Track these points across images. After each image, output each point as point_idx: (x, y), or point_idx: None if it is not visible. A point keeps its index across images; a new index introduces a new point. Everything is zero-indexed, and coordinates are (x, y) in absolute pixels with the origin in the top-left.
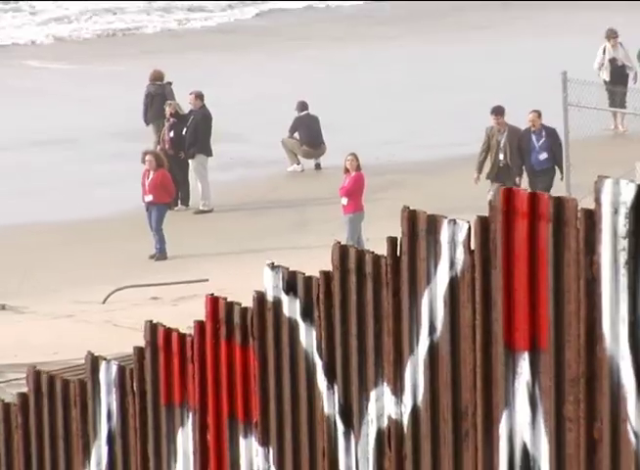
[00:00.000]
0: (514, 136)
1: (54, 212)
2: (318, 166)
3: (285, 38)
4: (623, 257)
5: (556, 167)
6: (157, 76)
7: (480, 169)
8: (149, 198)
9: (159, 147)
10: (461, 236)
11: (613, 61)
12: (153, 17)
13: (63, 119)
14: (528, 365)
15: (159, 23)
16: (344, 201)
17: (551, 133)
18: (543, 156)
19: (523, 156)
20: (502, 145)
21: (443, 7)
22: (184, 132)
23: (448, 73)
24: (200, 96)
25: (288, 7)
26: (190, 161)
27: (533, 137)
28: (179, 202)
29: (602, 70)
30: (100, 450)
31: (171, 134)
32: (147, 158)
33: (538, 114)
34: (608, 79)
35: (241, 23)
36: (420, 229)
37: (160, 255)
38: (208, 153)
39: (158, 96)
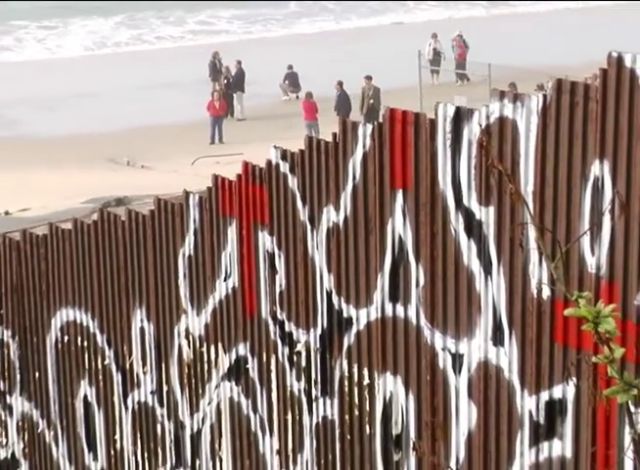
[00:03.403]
0: (377, 92)
1: (172, 118)
2: (297, 98)
3: None
4: (448, 143)
5: None
6: (214, 55)
7: (361, 110)
8: (217, 113)
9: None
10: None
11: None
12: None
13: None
14: None
15: None
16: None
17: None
18: None
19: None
20: (371, 95)
21: None
22: (231, 80)
23: None
24: (239, 62)
25: None
26: (234, 95)
27: None
28: (229, 115)
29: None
30: None
31: (225, 82)
32: (215, 94)
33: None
34: None
35: None
36: None
37: (219, 141)
38: (243, 90)
39: (215, 65)
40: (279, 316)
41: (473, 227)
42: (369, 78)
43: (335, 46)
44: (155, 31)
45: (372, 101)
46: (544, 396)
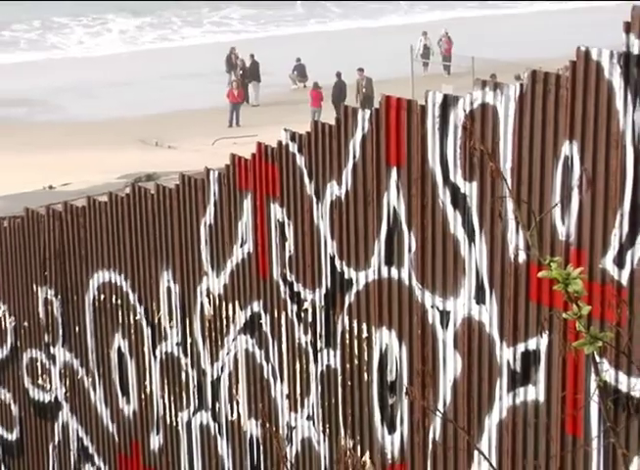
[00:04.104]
0: (369, 82)
1: (195, 105)
2: (305, 85)
3: None
4: (437, 126)
5: None
6: (231, 50)
7: (356, 99)
8: (235, 100)
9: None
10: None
11: None
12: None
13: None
14: None
15: None
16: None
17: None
18: None
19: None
20: (364, 86)
21: None
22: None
23: None
24: (252, 55)
25: None
26: (249, 84)
27: None
28: (245, 102)
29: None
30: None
31: (240, 73)
32: (234, 84)
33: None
34: None
35: None
36: None
37: (237, 124)
38: (259, 80)
39: (231, 58)
40: (288, 278)
41: (458, 200)
42: (361, 70)
43: (338, 42)
44: (177, 32)
45: (364, 90)
46: (520, 347)
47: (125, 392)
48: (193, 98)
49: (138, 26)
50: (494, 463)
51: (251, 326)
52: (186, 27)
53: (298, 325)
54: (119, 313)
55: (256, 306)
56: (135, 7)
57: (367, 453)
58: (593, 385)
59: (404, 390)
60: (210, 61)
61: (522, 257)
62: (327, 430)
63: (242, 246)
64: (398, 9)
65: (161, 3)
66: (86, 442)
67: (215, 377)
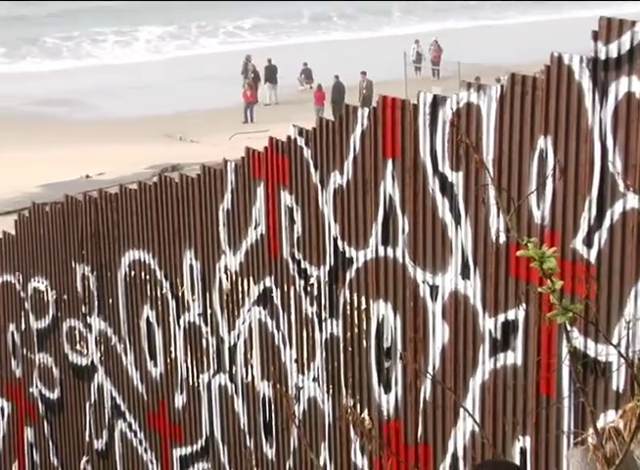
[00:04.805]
0: (370, 84)
1: (214, 104)
2: (311, 87)
3: None
4: (427, 122)
5: None
6: (247, 57)
7: (358, 99)
8: (249, 100)
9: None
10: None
11: None
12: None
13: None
14: None
15: None
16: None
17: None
18: None
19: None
20: (365, 87)
21: None
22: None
23: None
24: (269, 60)
25: None
26: (265, 84)
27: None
28: (256, 101)
29: None
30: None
31: (252, 76)
32: (246, 86)
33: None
34: None
35: None
36: None
37: (251, 121)
38: (275, 82)
39: (246, 64)
40: (296, 256)
41: (446, 188)
42: (364, 73)
43: (340, 50)
44: (196, 42)
45: (365, 91)
46: (500, 317)
47: (153, 356)
48: (213, 98)
49: (159, 36)
50: (477, 419)
51: (264, 299)
52: (203, 37)
53: (305, 298)
54: (148, 287)
55: (268, 282)
56: (159, 19)
57: (366, 411)
58: (565, 350)
59: (398, 355)
60: (226, 66)
61: (502, 238)
62: (330, 390)
63: (255, 228)
64: (393, 21)
65: (183, 13)
66: (119, 400)
67: (232, 343)
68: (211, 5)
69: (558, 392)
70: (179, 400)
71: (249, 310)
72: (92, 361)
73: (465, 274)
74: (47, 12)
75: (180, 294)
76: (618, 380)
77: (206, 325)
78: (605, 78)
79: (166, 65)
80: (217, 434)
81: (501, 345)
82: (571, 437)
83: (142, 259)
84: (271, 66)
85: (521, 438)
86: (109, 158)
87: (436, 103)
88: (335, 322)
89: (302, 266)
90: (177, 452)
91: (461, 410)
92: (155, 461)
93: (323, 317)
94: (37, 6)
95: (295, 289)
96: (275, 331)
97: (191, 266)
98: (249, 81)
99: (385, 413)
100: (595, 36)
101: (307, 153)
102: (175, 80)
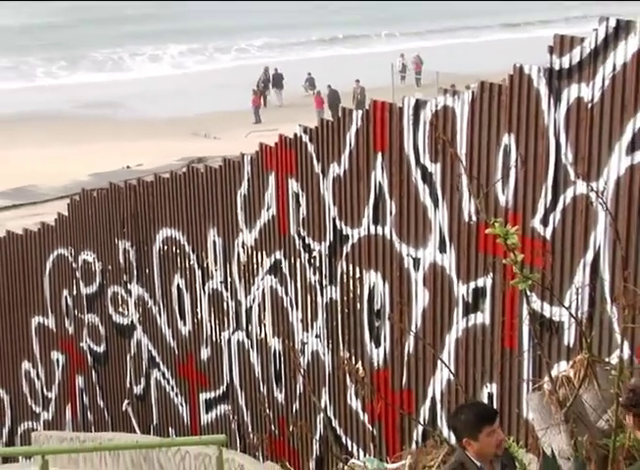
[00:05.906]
0: (363, 90)
1: (234, 107)
2: (314, 93)
3: None
4: (411, 122)
5: None
6: (265, 69)
7: (352, 103)
8: (256, 103)
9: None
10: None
11: None
12: None
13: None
14: None
15: None
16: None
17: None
18: None
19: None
20: (359, 93)
21: None
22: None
23: None
24: (276, 69)
25: None
26: (273, 90)
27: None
28: (264, 105)
29: None
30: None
31: (262, 84)
32: (254, 92)
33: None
34: None
35: None
36: None
37: (260, 121)
38: (281, 87)
39: (265, 73)
40: (302, 234)
41: (426, 177)
42: (358, 81)
43: (338, 62)
44: (214, 59)
45: (359, 96)
46: (472, 285)
47: (182, 317)
48: (232, 102)
49: (181, 53)
50: (452, 369)
51: (275, 269)
52: (216, 53)
53: (309, 268)
54: (178, 260)
55: (278, 255)
56: (181, 36)
57: (359, 362)
58: (525, 312)
59: (387, 316)
60: (238, 78)
61: (473, 218)
62: (330, 345)
63: (267, 210)
64: (380, 39)
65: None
66: (154, 353)
67: (248, 306)
68: (227, 26)
69: (519, 346)
70: (204, 353)
71: (262, 279)
72: (132, 321)
73: (442, 249)
74: (97, 34)
75: (205, 265)
76: (569, 336)
77: (227, 291)
78: (558, 85)
79: (189, 76)
80: (236, 381)
81: (472, 307)
82: (530, 384)
83: (173, 236)
84: (278, 73)
85: (488, 385)
86: (145, 151)
87: (418, 106)
88: (334, 288)
89: (307, 242)
90: (203, 396)
91: (439, 362)
92: (184, 404)
93: (324, 284)
94: (86, 27)
95: (300, 261)
96: (284, 296)
97: (214, 242)
98: (257, 88)
99: (375, 364)
100: (551, 50)
101: (311, 147)
102: (198, 88)
